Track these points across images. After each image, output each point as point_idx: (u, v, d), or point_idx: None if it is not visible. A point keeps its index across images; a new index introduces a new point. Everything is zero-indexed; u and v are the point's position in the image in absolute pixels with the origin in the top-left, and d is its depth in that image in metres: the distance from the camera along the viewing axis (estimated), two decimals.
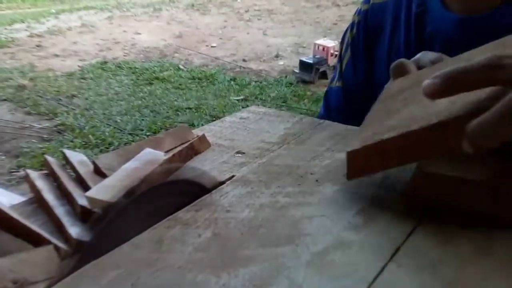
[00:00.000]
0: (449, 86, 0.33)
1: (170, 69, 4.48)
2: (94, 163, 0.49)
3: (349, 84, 0.79)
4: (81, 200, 0.42)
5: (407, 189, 0.40)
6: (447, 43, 0.63)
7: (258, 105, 3.40)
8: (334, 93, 0.81)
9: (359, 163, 0.40)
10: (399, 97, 0.45)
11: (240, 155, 0.53)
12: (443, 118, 0.34)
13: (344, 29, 0.82)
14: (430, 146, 0.35)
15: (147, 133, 3.10)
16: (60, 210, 0.42)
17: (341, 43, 0.81)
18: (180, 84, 4.11)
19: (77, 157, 0.51)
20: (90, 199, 0.41)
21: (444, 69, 0.34)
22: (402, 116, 0.40)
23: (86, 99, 3.73)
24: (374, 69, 0.74)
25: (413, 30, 0.68)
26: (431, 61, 0.51)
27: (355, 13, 0.79)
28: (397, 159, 0.38)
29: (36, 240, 0.37)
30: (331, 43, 4.31)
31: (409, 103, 0.42)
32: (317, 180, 0.44)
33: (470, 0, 0.62)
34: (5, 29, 5.80)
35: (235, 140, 0.57)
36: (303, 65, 4.13)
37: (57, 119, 3.32)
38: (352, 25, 0.79)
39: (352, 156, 0.41)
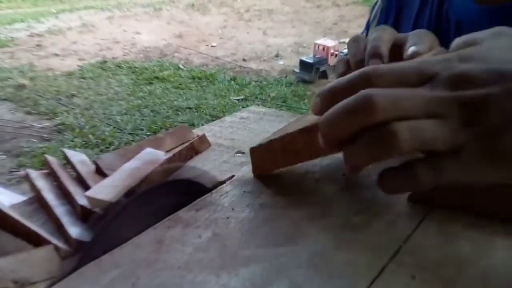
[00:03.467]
0: (328, 103, 0.30)
1: (170, 69, 4.48)
2: (95, 163, 0.49)
3: None
4: (81, 200, 0.42)
5: (412, 196, 0.40)
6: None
7: (258, 105, 3.41)
8: None
9: (257, 160, 0.45)
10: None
11: (240, 155, 0.53)
12: (309, 124, 0.36)
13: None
14: (301, 148, 0.37)
15: (147, 133, 3.10)
16: (60, 210, 0.42)
17: (371, 11, 0.80)
18: (180, 84, 4.11)
19: (77, 157, 0.51)
20: (90, 199, 0.41)
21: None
22: (303, 122, 0.40)
23: (86, 98, 3.73)
24: None
25: (434, 16, 0.67)
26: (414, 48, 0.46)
27: None
28: (282, 159, 0.41)
29: (36, 240, 0.37)
30: (331, 43, 4.32)
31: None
32: (317, 180, 0.44)
33: None
34: (5, 28, 5.80)
35: (235, 140, 0.57)
36: (304, 64, 4.13)
37: (57, 118, 3.32)
38: None
39: (252, 153, 0.45)
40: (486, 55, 0.29)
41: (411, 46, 0.43)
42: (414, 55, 0.41)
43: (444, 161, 0.27)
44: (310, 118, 0.39)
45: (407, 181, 0.28)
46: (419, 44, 0.42)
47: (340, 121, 0.28)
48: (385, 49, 0.44)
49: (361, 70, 0.30)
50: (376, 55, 0.44)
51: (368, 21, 0.80)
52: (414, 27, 0.70)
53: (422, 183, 0.27)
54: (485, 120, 0.27)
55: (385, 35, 0.46)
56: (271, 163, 0.43)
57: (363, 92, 0.28)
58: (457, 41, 0.34)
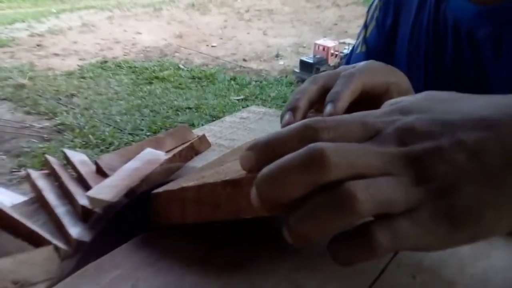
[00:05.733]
0: (264, 159, 0.26)
1: (170, 69, 4.48)
2: (96, 163, 0.49)
3: (373, 51, 0.77)
4: (82, 200, 0.42)
5: None
6: (472, 33, 0.63)
7: (258, 105, 3.41)
8: (357, 59, 0.78)
9: (160, 208, 0.37)
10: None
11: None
12: (237, 175, 0.29)
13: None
14: (222, 203, 0.31)
15: (147, 133, 3.10)
16: (61, 210, 0.42)
17: (368, 10, 0.80)
18: (180, 84, 4.11)
19: (78, 157, 0.51)
20: (91, 199, 0.41)
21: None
22: (220, 168, 0.36)
23: (86, 98, 3.73)
24: (396, 47, 0.73)
25: (432, 16, 0.67)
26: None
27: None
28: (193, 213, 0.33)
29: (36, 241, 0.37)
30: (331, 43, 4.32)
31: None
32: None
33: None
34: (6, 28, 5.80)
35: (235, 140, 0.57)
36: (304, 64, 4.14)
37: (57, 118, 3.32)
38: None
39: (155, 200, 0.37)
40: (426, 106, 0.27)
41: (328, 102, 0.40)
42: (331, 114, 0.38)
43: (401, 223, 0.24)
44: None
45: (363, 249, 0.24)
46: (336, 98, 0.40)
47: (285, 179, 0.24)
48: (303, 103, 0.41)
49: (305, 121, 0.26)
50: (293, 108, 0.41)
51: (366, 21, 0.80)
52: (413, 26, 0.70)
53: (381, 249, 0.23)
54: (438, 176, 0.24)
55: (313, 86, 0.42)
56: (177, 215, 0.35)
57: (312, 146, 0.24)
58: (387, 102, 0.31)
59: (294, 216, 0.24)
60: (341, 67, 0.46)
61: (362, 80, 0.42)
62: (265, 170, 0.25)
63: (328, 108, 0.39)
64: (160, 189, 0.38)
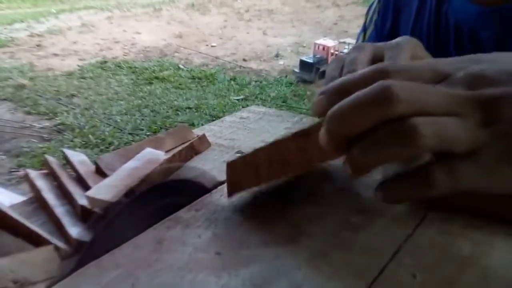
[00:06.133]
0: (336, 100, 0.27)
1: (170, 69, 4.48)
2: (95, 163, 0.49)
3: None
4: (81, 200, 0.42)
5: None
6: (474, 34, 0.63)
7: (258, 104, 3.41)
8: None
9: (236, 176, 0.38)
10: None
11: (240, 154, 0.53)
12: (306, 127, 0.31)
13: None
14: (293, 158, 0.32)
15: (147, 133, 3.10)
16: (60, 210, 0.42)
17: (366, 13, 0.80)
18: (180, 84, 4.11)
19: (77, 157, 0.51)
20: (90, 199, 0.41)
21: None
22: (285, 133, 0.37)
23: (86, 98, 3.73)
24: None
25: (433, 18, 0.67)
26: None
27: None
28: (268, 172, 0.35)
29: (36, 240, 0.37)
30: (331, 42, 4.32)
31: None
32: (317, 180, 0.44)
33: None
34: (5, 28, 5.80)
35: (235, 140, 0.57)
36: (304, 64, 4.13)
37: (57, 118, 3.32)
38: None
39: (230, 168, 0.39)
40: (495, 58, 0.29)
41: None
42: None
43: (463, 164, 0.25)
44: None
45: (420, 187, 0.25)
46: (395, 59, 0.42)
47: (353, 113, 0.25)
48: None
49: (377, 65, 0.28)
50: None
51: (364, 24, 0.80)
52: (413, 29, 0.70)
53: (438, 189, 0.25)
54: (504, 120, 0.25)
55: (361, 56, 0.45)
56: (252, 179, 0.37)
57: (381, 82, 0.25)
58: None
59: (358, 145, 0.25)
60: (376, 44, 0.48)
61: (410, 51, 0.45)
62: (335, 107, 0.26)
63: None
64: (233, 159, 0.39)
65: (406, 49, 0.45)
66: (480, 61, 0.29)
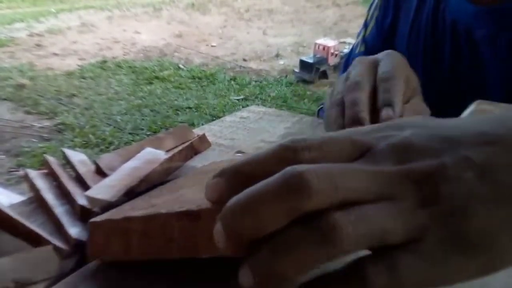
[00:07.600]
0: (236, 186, 0.22)
1: (170, 69, 4.48)
2: (96, 163, 0.49)
3: (371, 51, 0.77)
4: (81, 200, 0.42)
5: None
6: (470, 33, 0.63)
7: (258, 104, 3.41)
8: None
9: (99, 240, 0.32)
10: (208, 175, 0.28)
11: (240, 154, 0.53)
12: (195, 207, 0.25)
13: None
14: (175, 239, 0.27)
15: (147, 133, 3.10)
16: (59, 210, 0.42)
17: (368, 10, 0.80)
18: (180, 84, 4.10)
19: (77, 157, 0.51)
20: (90, 199, 0.41)
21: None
22: (175, 195, 0.33)
23: (86, 98, 3.73)
24: (394, 46, 0.73)
25: (431, 15, 0.67)
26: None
27: None
28: (139, 248, 0.29)
29: (35, 240, 0.37)
30: (332, 42, 4.32)
31: (198, 183, 0.33)
32: None
33: None
34: (5, 28, 5.79)
35: (235, 139, 0.57)
36: (304, 64, 4.13)
37: (57, 118, 3.32)
38: None
39: (94, 229, 0.32)
40: (420, 121, 0.25)
41: (383, 106, 0.41)
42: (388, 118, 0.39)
43: (403, 256, 0.20)
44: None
45: None
46: (392, 100, 0.41)
47: (257, 209, 0.20)
48: (365, 114, 0.41)
49: (281, 142, 0.23)
50: (356, 121, 0.40)
51: (366, 20, 0.80)
52: (412, 26, 0.70)
53: None
54: (443, 198, 0.21)
55: (360, 96, 0.42)
56: (120, 249, 0.31)
57: (289, 169, 0.20)
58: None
59: (265, 250, 0.20)
60: (359, 59, 0.48)
61: (403, 80, 0.44)
62: (234, 199, 0.21)
63: (386, 111, 0.40)
64: (99, 218, 0.33)
65: (398, 80, 0.43)
66: (403, 127, 0.24)
